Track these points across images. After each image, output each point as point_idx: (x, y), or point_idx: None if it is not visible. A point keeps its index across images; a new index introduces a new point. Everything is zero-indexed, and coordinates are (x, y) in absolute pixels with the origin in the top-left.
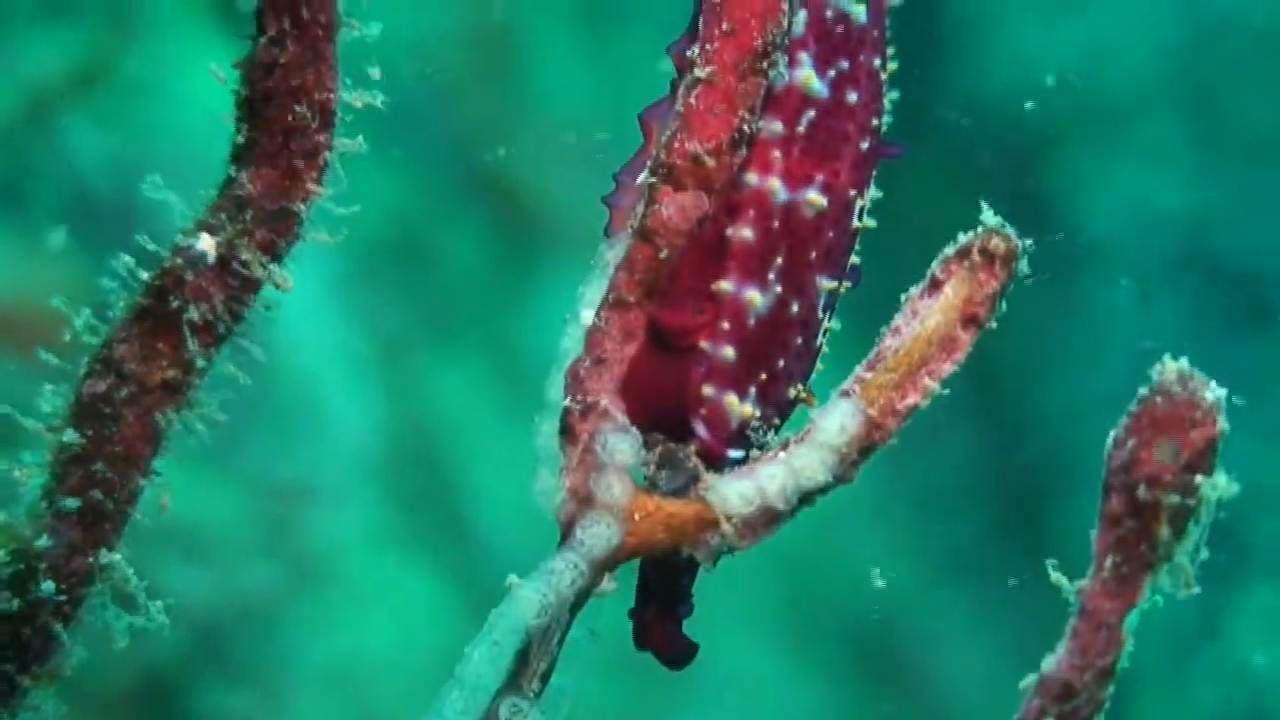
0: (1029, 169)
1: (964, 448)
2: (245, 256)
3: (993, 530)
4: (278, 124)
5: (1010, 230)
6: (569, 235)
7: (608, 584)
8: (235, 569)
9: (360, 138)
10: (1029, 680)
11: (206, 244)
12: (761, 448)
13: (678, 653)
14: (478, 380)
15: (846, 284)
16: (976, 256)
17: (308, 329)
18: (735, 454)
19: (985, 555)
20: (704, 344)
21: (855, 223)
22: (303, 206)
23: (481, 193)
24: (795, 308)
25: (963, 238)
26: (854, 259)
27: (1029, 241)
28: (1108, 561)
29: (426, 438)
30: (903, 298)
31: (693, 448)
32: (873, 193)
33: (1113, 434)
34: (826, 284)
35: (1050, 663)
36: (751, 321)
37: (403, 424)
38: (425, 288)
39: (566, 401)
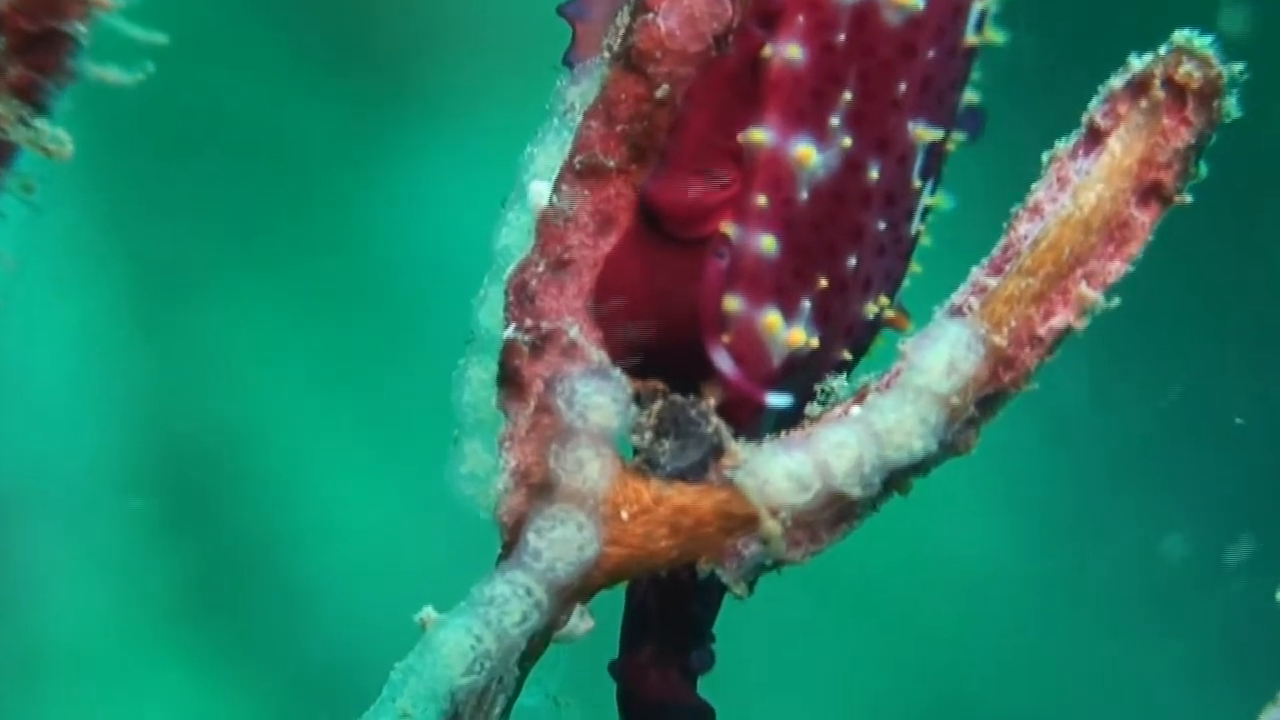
0: None
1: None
2: None
3: None
4: None
5: (1211, 50)
6: (455, 76)
7: (579, 622)
8: None
9: None
10: None
11: None
12: (824, 397)
13: None
14: (293, 328)
15: (959, 135)
16: (1158, 91)
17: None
18: (780, 403)
19: None
20: (727, 230)
21: (971, 35)
22: (80, 27)
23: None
24: (873, 172)
25: (1135, 63)
26: (969, 95)
27: (1239, 68)
28: None
29: (202, 412)
30: (1044, 158)
31: (711, 400)
32: None
33: None
34: (926, 134)
35: None
36: (803, 193)
37: (165, 400)
38: (205, 174)
39: (509, 331)
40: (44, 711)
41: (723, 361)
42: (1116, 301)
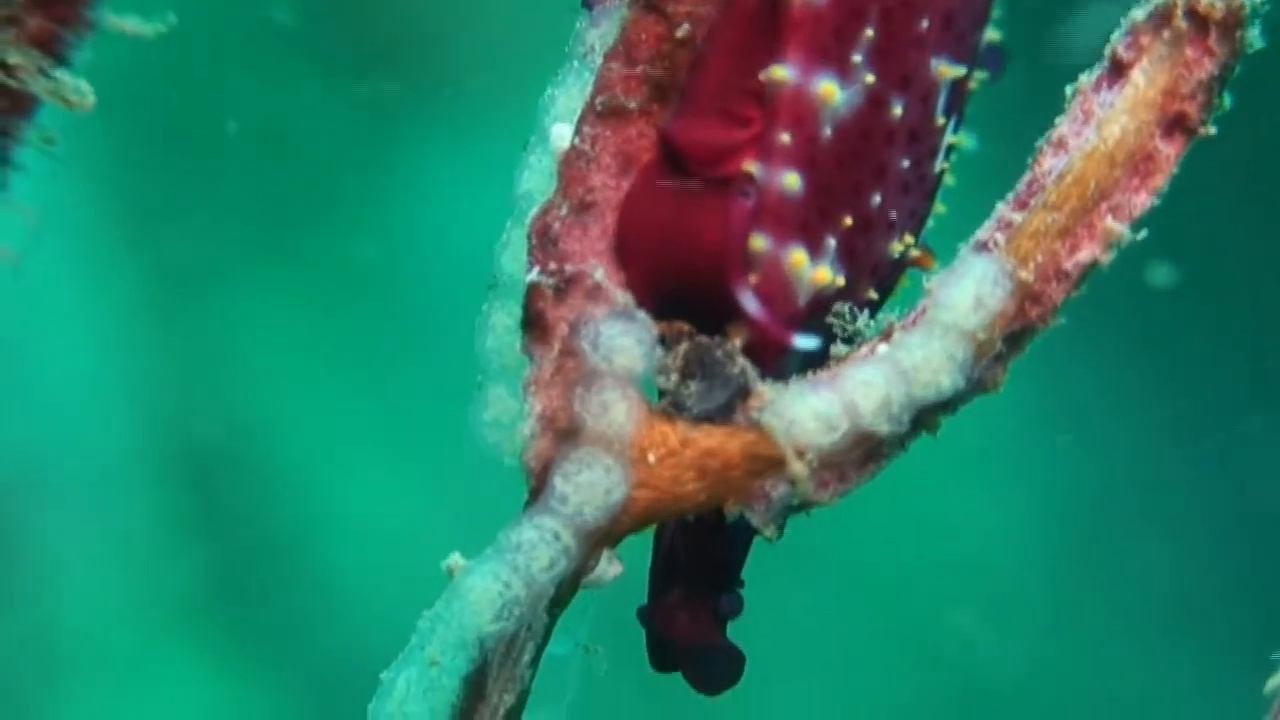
0: None
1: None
2: (14, 60)
3: None
4: None
5: None
6: (470, 74)
7: (607, 567)
8: None
9: None
10: None
11: None
12: (850, 339)
13: (715, 666)
14: (312, 324)
15: (982, 72)
16: (1180, 22)
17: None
18: (806, 344)
19: None
20: (750, 168)
21: None
22: None
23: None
24: (897, 109)
25: None
26: (991, 32)
27: None
28: None
29: (220, 409)
30: (1068, 91)
31: (737, 340)
32: None
33: None
34: (949, 70)
35: None
36: (826, 130)
37: (184, 394)
38: (222, 173)
39: (532, 274)
40: (62, 703)
41: (749, 302)
42: (1144, 234)
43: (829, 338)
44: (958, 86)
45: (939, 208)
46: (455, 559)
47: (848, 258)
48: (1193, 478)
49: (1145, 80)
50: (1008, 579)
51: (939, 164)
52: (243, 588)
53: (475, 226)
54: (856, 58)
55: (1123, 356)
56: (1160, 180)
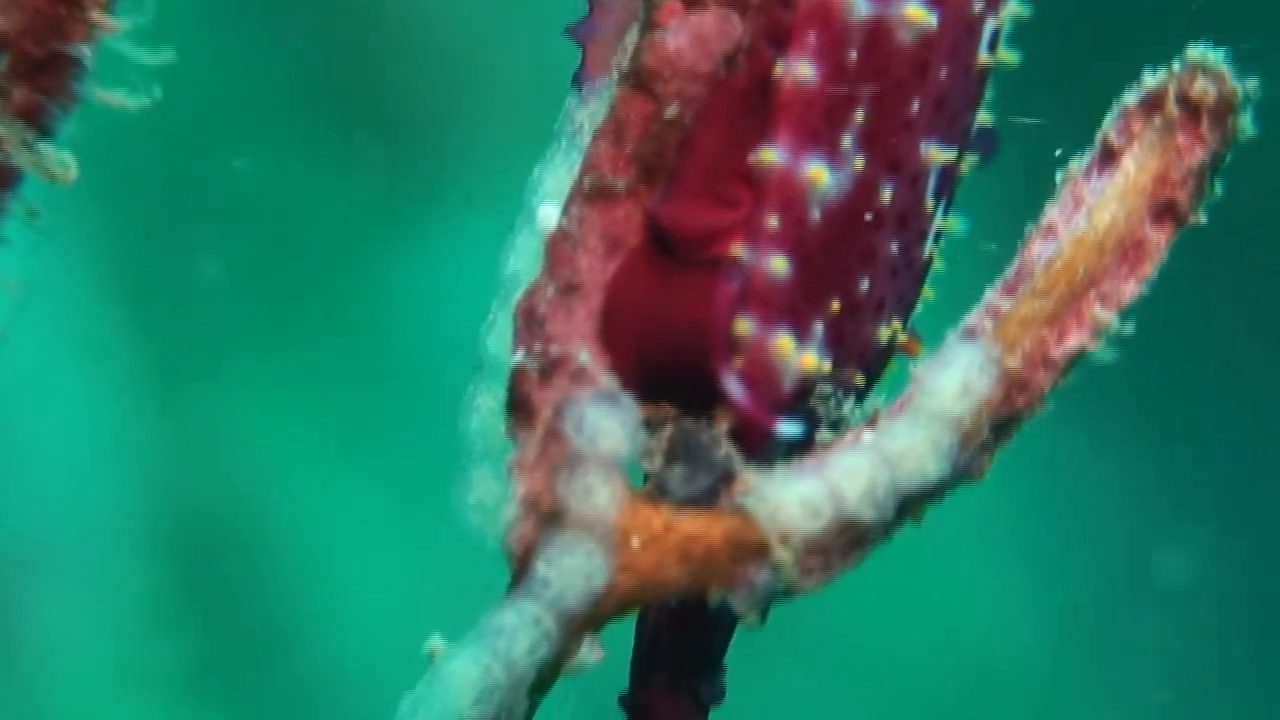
0: None
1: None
2: None
3: None
4: None
5: (1225, 66)
6: (472, 150)
7: (589, 652)
8: None
9: None
10: None
11: None
12: (835, 423)
13: None
14: (311, 405)
15: (973, 156)
16: (1173, 109)
17: (28, 302)
18: (790, 431)
19: None
20: (738, 252)
21: (984, 55)
22: (86, 50)
23: (322, 80)
24: (887, 193)
25: (1150, 80)
26: (983, 116)
27: (1253, 83)
28: None
29: (219, 489)
30: (1059, 177)
31: (723, 424)
32: (1014, 7)
33: None
34: (939, 154)
35: None
36: (814, 214)
37: (179, 467)
38: (224, 249)
39: (517, 356)
40: None
41: (733, 386)
42: (1131, 325)
43: (814, 423)
44: (948, 170)
45: (928, 292)
46: (436, 642)
47: (835, 343)
48: (1190, 557)
49: (1136, 167)
50: (1004, 660)
51: (928, 248)
52: (238, 669)
53: (478, 304)
54: (846, 141)
55: (1120, 437)
56: (1150, 268)
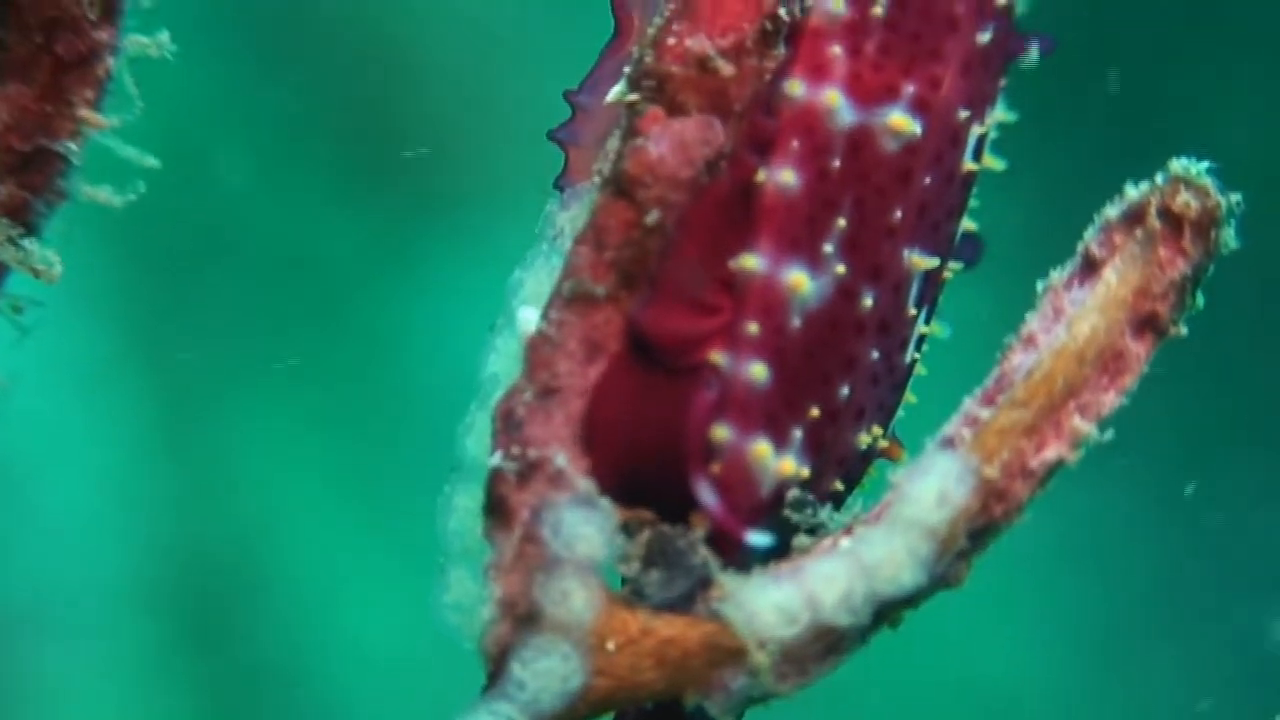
0: None
1: None
2: None
3: None
4: (34, 12)
5: (1208, 180)
6: (480, 188)
7: None
8: None
9: (165, 35)
10: None
11: None
12: (812, 530)
13: None
14: (317, 445)
15: (955, 264)
16: (1154, 222)
17: (34, 349)
18: (764, 540)
19: None
20: (717, 359)
21: (969, 163)
22: (73, 146)
23: (329, 119)
24: (868, 300)
25: (1132, 193)
26: (967, 223)
27: (1237, 198)
28: None
29: (225, 538)
30: (1039, 287)
31: (699, 530)
32: (1000, 114)
33: None
34: (921, 262)
35: None
36: (795, 321)
37: (185, 518)
38: (228, 288)
39: (495, 459)
40: None
41: (706, 494)
42: (1109, 434)
43: (791, 532)
44: (932, 276)
45: (910, 397)
46: None
47: (814, 449)
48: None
49: (1117, 278)
50: (1018, 699)
51: (910, 355)
52: (243, 709)
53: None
54: (828, 248)
55: (1139, 471)
56: (1130, 379)
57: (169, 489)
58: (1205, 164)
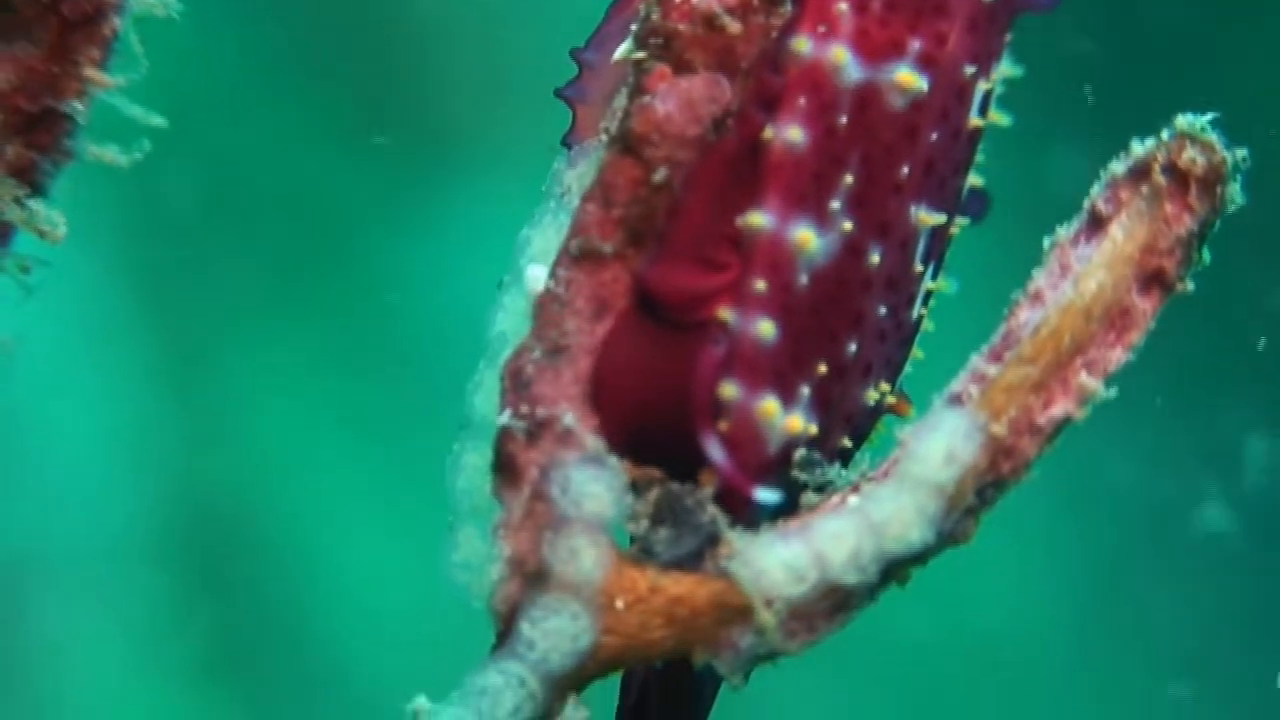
0: None
1: None
2: None
3: None
4: None
5: (1214, 135)
6: (482, 141)
7: (573, 713)
8: None
9: None
10: None
11: None
12: (820, 488)
13: None
14: (321, 392)
15: (962, 219)
16: (1160, 178)
17: (39, 301)
18: (772, 497)
19: None
20: (724, 315)
21: (974, 118)
22: (79, 106)
23: (337, 71)
24: (875, 256)
25: (1138, 149)
26: (973, 179)
27: (1242, 153)
28: None
29: (231, 487)
30: (1046, 244)
31: (708, 488)
32: (1007, 69)
33: None
34: (928, 218)
35: None
36: (802, 278)
37: (189, 464)
38: (232, 236)
39: (504, 417)
40: None
41: (714, 450)
42: (1115, 391)
43: (798, 489)
44: (938, 232)
45: (917, 353)
46: (421, 702)
47: (821, 406)
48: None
49: (1123, 235)
50: (1027, 648)
51: (917, 310)
52: (250, 657)
53: (488, 288)
54: (835, 204)
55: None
56: (1137, 336)
57: (174, 438)
58: (1209, 116)
